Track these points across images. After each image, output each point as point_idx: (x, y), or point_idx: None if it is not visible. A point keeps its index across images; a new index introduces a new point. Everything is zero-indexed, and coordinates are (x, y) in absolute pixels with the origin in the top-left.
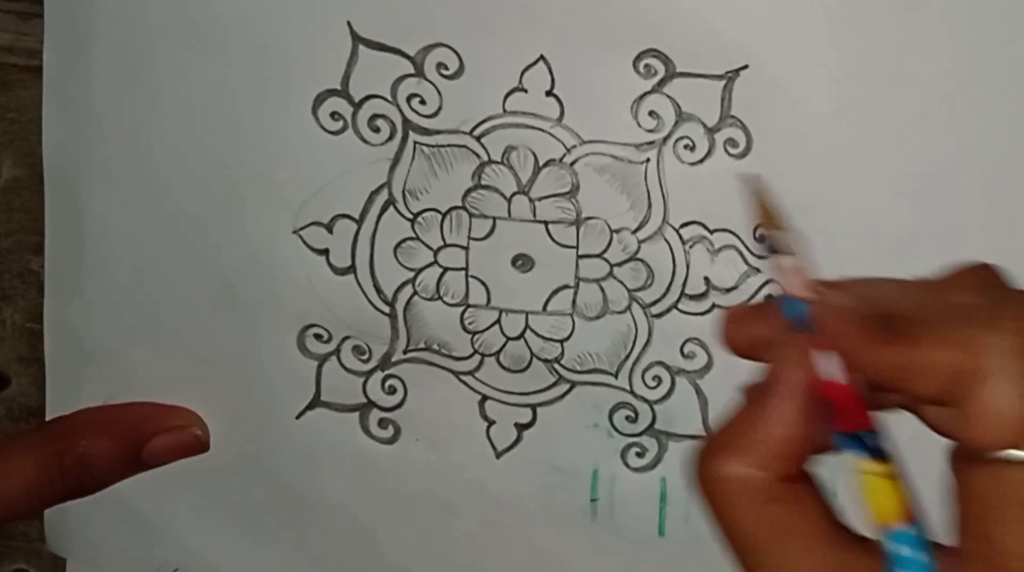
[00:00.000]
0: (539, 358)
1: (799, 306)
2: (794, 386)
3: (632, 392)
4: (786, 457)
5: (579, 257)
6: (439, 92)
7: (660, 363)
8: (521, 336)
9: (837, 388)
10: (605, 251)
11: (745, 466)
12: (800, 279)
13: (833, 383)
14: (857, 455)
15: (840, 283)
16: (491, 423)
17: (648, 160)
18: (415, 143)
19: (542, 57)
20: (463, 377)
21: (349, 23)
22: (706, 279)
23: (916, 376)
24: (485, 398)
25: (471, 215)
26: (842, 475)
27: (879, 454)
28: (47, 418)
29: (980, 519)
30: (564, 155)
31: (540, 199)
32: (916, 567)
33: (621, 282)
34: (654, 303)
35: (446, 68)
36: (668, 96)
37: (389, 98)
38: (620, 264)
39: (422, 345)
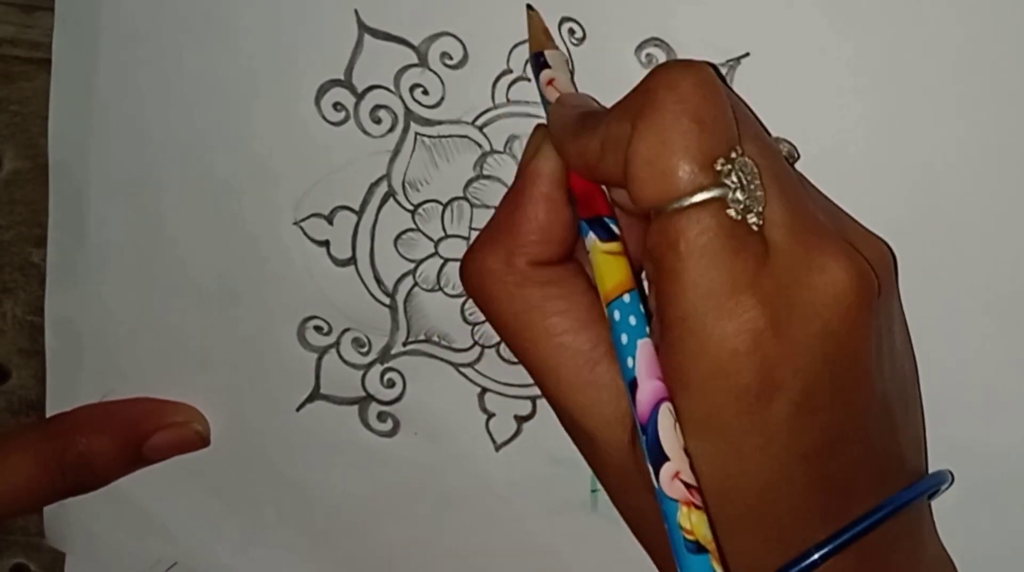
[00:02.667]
0: None
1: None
2: (533, 175)
3: None
4: (538, 242)
5: None
6: (442, 82)
7: None
8: None
9: (578, 179)
10: None
11: (501, 255)
12: (552, 87)
13: (574, 175)
14: (593, 237)
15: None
16: (490, 416)
17: None
18: (416, 134)
19: None
20: (463, 369)
21: (356, 12)
22: None
23: (607, 149)
24: (484, 390)
25: (472, 205)
26: None
27: (610, 235)
28: (47, 411)
29: (656, 278)
30: None
31: None
32: (628, 329)
33: None
34: None
35: (450, 58)
36: None
37: (392, 88)
38: None
39: (422, 337)
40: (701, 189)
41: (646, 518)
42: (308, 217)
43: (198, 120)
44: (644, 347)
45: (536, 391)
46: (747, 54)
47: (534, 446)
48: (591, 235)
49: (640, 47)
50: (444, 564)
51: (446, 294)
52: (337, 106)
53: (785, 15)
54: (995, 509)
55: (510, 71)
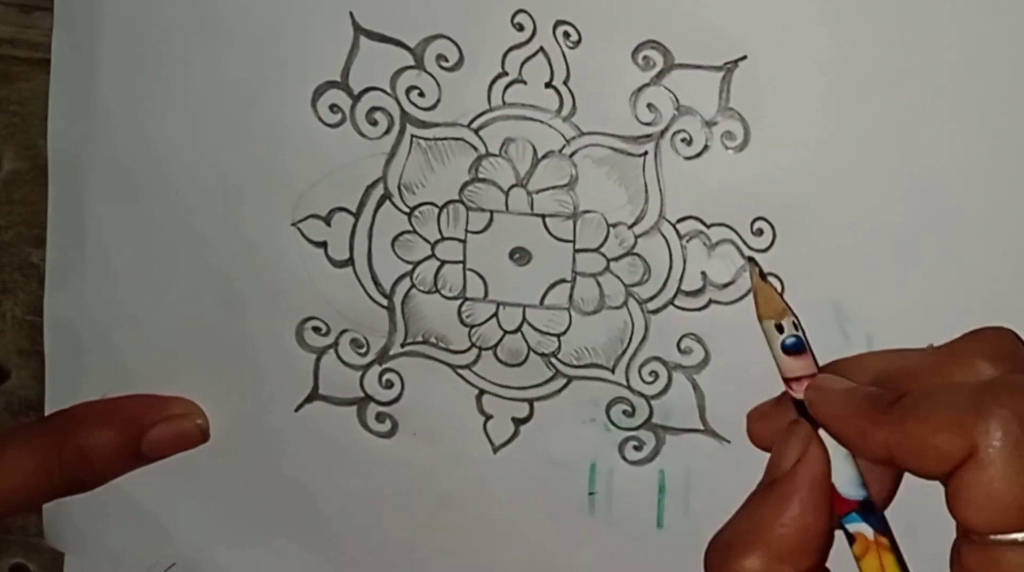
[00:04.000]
0: (536, 352)
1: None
2: (800, 479)
3: (629, 387)
4: (803, 550)
5: (576, 251)
6: (438, 84)
7: (657, 358)
8: (518, 330)
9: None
10: (602, 245)
11: (763, 561)
12: (793, 362)
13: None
14: (854, 531)
15: (849, 361)
16: (488, 417)
17: (646, 153)
18: (412, 136)
19: (541, 49)
20: (460, 371)
21: (351, 13)
22: (703, 274)
23: (911, 456)
24: (482, 392)
25: (468, 208)
26: None
27: (879, 528)
28: (46, 411)
29: None
30: (563, 146)
31: (538, 192)
32: None
33: (617, 277)
34: (650, 299)
35: (446, 60)
36: (666, 89)
37: (388, 90)
38: (617, 259)
39: (420, 338)
40: None
41: None
42: (306, 218)
43: (195, 121)
44: None
45: (534, 393)
46: (744, 57)
47: (532, 448)
48: (855, 528)
49: (637, 49)
50: (441, 565)
51: (443, 296)
52: (333, 108)
53: (782, 18)
54: None
55: (505, 74)
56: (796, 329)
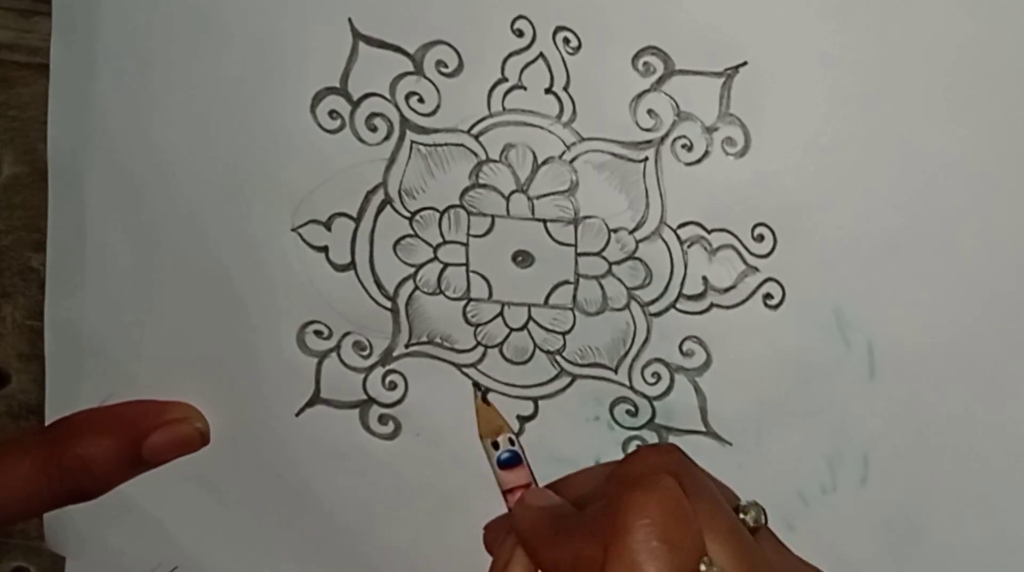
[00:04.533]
0: (542, 349)
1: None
2: None
3: (632, 388)
4: None
5: (578, 255)
6: (438, 90)
7: (659, 360)
8: (524, 327)
9: None
10: (603, 250)
11: None
12: (509, 475)
13: None
14: None
15: (567, 478)
16: None
17: (646, 159)
18: (412, 142)
19: (541, 55)
20: (466, 370)
21: (350, 20)
22: (704, 279)
23: (580, 566)
24: (487, 391)
25: (469, 213)
26: None
27: None
28: (47, 415)
29: None
30: (563, 152)
31: (539, 197)
32: None
33: (620, 280)
34: (652, 302)
35: (445, 66)
36: (667, 95)
37: (388, 96)
38: (618, 263)
39: (424, 338)
40: None
41: None
42: (306, 223)
43: (195, 127)
44: None
45: (538, 392)
46: (745, 63)
47: (536, 446)
48: None
49: (637, 55)
50: (446, 566)
51: (447, 297)
52: (333, 114)
53: (783, 23)
54: (995, 508)
55: (505, 80)
56: (512, 445)
